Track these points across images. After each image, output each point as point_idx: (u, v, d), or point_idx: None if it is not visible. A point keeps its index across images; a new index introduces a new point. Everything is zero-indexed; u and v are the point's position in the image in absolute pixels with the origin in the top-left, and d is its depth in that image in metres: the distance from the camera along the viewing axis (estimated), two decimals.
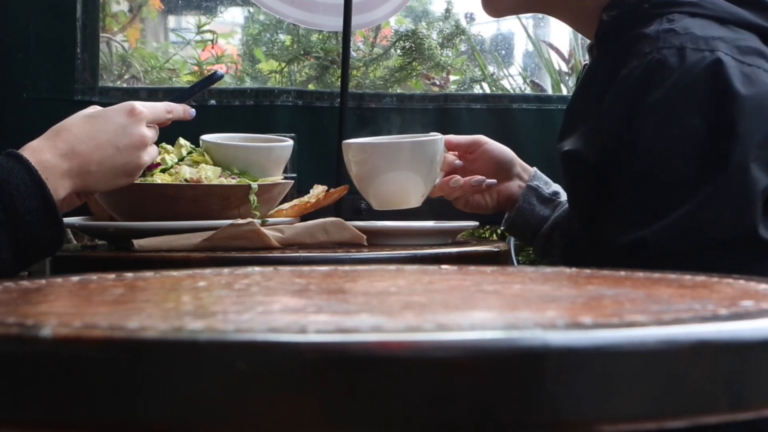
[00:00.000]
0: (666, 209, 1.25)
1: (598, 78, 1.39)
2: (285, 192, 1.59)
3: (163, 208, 1.46)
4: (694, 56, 1.26)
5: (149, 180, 1.48)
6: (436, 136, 1.57)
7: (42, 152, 1.27)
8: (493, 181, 1.61)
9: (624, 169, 1.29)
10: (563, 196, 1.62)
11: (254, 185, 1.48)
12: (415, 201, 1.58)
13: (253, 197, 1.48)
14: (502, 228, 1.73)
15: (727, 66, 1.25)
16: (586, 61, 1.59)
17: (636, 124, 1.27)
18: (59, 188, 1.27)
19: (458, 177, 1.60)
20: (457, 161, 1.62)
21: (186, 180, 1.49)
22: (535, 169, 1.66)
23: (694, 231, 1.24)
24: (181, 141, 1.58)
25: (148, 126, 1.36)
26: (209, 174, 1.50)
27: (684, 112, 1.25)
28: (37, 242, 1.24)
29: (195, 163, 1.54)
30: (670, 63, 1.26)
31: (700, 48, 1.27)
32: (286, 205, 1.62)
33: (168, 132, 1.49)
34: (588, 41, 1.55)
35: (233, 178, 1.52)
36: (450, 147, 1.60)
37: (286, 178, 1.61)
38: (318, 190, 1.63)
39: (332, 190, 1.62)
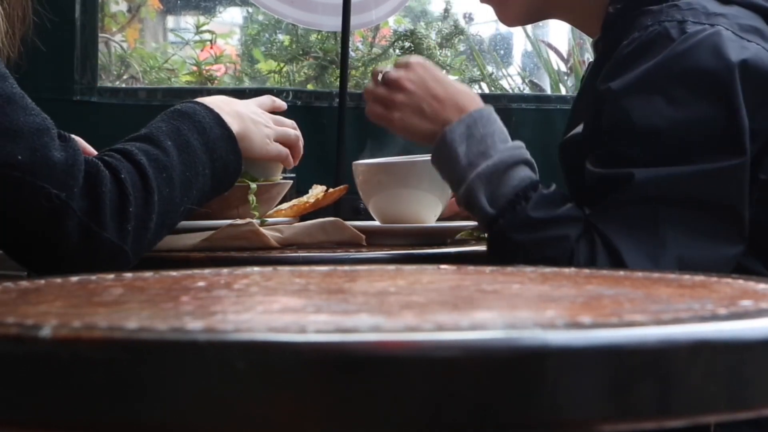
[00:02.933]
0: (661, 161, 1.26)
1: (602, 67, 1.39)
2: (284, 192, 1.59)
3: None
4: (694, 28, 1.30)
5: None
6: None
7: (205, 99, 1.42)
8: None
9: (615, 123, 1.31)
10: None
11: (253, 185, 1.48)
12: (427, 222, 1.58)
13: (252, 197, 1.48)
14: None
15: (725, 38, 1.29)
16: (591, 59, 1.59)
17: (639, 89, 1.29)
18: (230, 123, 1.40)
19: None
20: None
21: None
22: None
23: (687, 191, 1.26)
24: None
25: None
26: None
27: (683, 81, 1.28)
28: (226, 167, 1.38)
29: None
30: (671, 34, 1.30)
31: (701, 22, 1.31)
32: (285, 205, 1.62)
33: None
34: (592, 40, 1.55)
35: None
36: None
37: (285, 178, 1.61)
38: (317, 190, 1.63)
39: (331, 190, 1.62)
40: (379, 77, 1.46)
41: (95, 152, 1.48)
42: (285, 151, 1.53)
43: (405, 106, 1.42)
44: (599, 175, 1.30)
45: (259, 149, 1.48)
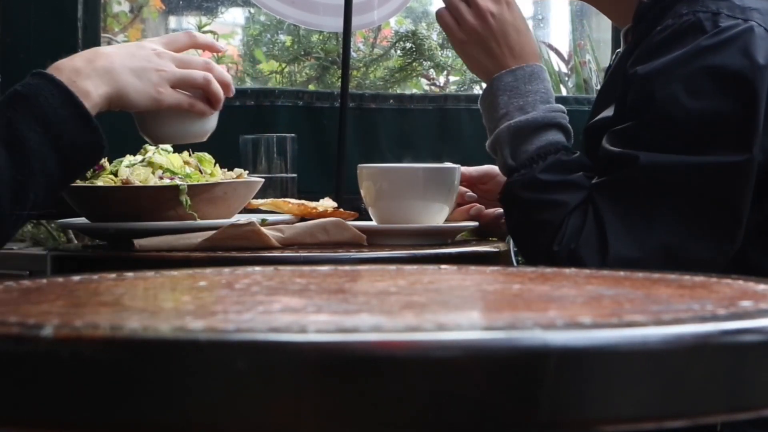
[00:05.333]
0: (670, 149, 1.29)
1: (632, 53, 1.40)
2: (252, 192, 1.56)
3: (98, 208, 1.49)
4: (727, 22, 1.31)
5: (89, 183, 1.49)
6: (454, 166, 1.57)
7: (64, 62, 1.31)
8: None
9: (635, 105, 1.33)
10: None
11: (183, 185, 1.46)
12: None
13: (184, 198, 1.46)
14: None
15: (757, 36, 1.30)
16: (619, 49, 1.58)
17: (663, 76, 1.31)
18: (90, 89, 1.28)
19: (479, 206, 1.60)
20: (469, 192, 1.63)
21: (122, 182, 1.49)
22: None
23: (688, 181, 1.28)
24: (148, 147, 1.57)
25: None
26: (142, 175, 1.49)
27: (708, 75, 1.29)
28: (78, 149, 1.25)
29: (150, 165, 1.52)
30: (703, 26, 1.31)
31: (735, 16, 1.32)
32: (294, 201, 1.63)
33: None
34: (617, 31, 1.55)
35: (170, 179, 1.50)
36: (461, 178, 1.60)
37: (286, 177, 1.61)
38: (328, 203, 1.63)
39: (342, 210, 1.62)
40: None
41: None
42: (185, 98, 1.37)
43: (475, 34, 1.46)
44: (608, 153, 1.34)
45: (146, 101, 1.33)
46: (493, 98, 1.45)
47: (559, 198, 1.33)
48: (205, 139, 1.46)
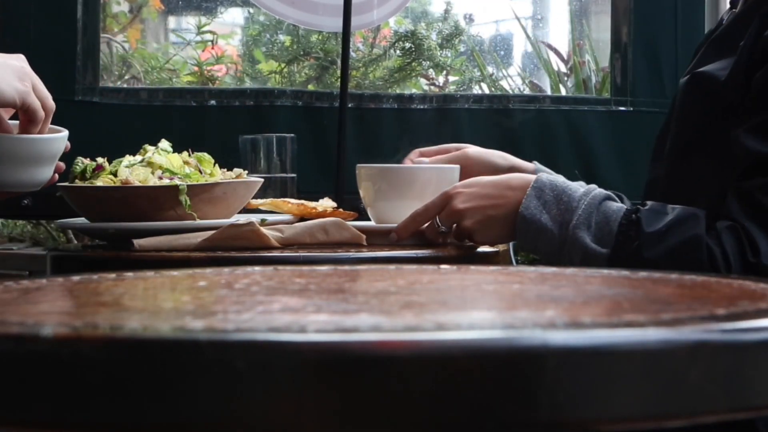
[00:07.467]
0: None
1: (754, 14, 1.35)
2: (252, 191, 1.56)
3: (98, 208, 1.49)
4: None
5: (88, 183, 1.49)
6: (454, 166, 1.57)
7: None
8: None
9: None
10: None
11: (182, 185, 1.46)
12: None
13: (184, 198, 1.45)
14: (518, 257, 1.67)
15: None
16: (734, 9, 1.49)
17: None
18: None
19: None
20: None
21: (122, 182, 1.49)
22: (534, 163, 1.59)
23: None
24: (148, 147, 1.57)
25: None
26: (141, 175, 1.49)
27: None
28: None
29: (149, 165, 1.53)
30: None
31: None
32: (293, 201, 1.63)
33: (159, 133, 1.49)
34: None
35: (170, 179, 1.50)
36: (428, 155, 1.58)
37: (285, 177, 1.61)
38: (327, 203, 1.63)
39: (341, 210, 1.62)
40: (441, 228, 1.43)
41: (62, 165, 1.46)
42: (41, 109, 1.39)
43: (476, 224, 1.40)
44: (756, 152, 1.24)
45: (12, 92, 1.36)
46: (536, 225, 1.33)
47: (686, 235, 1.23)
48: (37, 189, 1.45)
